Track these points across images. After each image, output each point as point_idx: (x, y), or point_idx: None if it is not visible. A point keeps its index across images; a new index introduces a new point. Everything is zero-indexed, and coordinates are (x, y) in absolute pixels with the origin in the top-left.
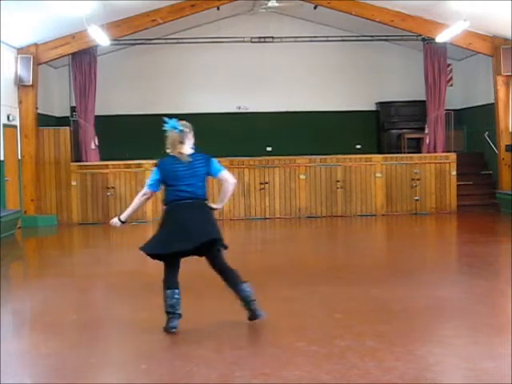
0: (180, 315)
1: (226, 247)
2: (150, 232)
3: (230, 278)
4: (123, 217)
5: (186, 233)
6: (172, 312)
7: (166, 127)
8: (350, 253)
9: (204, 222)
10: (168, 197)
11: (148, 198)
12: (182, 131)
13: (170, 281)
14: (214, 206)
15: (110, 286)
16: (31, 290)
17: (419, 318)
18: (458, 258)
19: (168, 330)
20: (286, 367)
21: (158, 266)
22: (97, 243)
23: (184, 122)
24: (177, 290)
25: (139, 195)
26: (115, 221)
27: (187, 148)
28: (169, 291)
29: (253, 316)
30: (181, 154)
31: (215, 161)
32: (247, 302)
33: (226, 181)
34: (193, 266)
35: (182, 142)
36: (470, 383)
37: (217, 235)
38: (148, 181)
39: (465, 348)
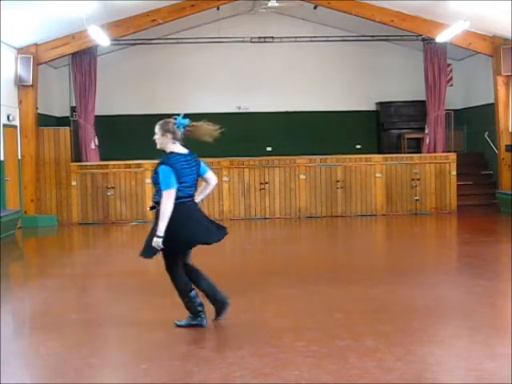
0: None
1: None
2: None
3: (197, 274)
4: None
5: (210, 227)
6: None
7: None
8: (350, 253)
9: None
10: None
11: None
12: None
13: (188, 282)
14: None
15: (110, 286)
16: (31, 290)
17: (419, 318)
18: (458, 257)
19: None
20: (285, 367)
21: (158, 266)
22: (97, 243)
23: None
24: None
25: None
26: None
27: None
28: (193, 292)
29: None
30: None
31: None
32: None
33: (211, 179)
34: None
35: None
36: (469, 383)
37: None
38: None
39: (465, 348)
